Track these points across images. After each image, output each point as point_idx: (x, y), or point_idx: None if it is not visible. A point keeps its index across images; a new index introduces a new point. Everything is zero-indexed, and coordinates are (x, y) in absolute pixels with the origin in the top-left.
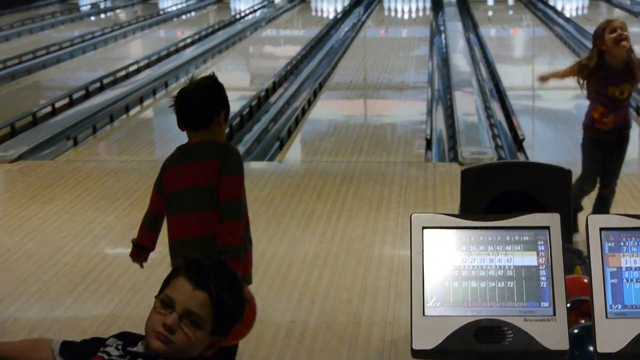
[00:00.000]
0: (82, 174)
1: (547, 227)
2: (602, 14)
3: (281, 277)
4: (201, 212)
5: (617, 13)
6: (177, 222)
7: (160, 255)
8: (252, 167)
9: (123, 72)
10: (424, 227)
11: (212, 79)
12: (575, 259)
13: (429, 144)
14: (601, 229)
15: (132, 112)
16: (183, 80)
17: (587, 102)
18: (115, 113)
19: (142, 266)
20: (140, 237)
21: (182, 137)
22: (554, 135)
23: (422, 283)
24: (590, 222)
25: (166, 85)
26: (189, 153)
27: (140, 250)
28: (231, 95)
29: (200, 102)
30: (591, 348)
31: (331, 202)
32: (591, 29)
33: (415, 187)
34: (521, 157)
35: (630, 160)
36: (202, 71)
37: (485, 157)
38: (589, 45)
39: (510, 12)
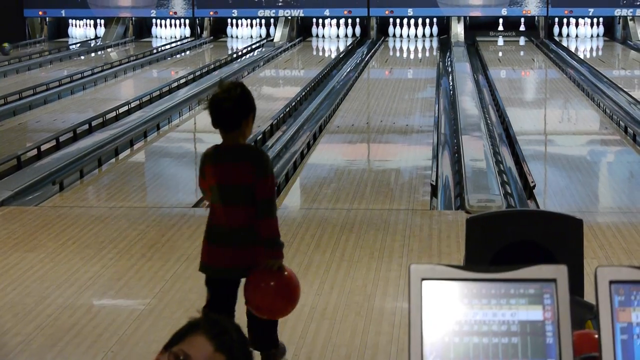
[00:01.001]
0: (67, 220)
1: (554, 280)
2: (617, 55)
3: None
4: (236, 206)
5: (633, 55)
6: (216, 209)
7: (148, 307)
8: None
9: (113, 114)
10: (423, 279)
11: (240, 86)
12: (586, 314)
13: (434, 191)
14: (611, 282)
15: (121, 156)
16: (175, 122)
17: (601, 148)
18: (103, 156)
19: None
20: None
21: (173, 183)
22: (566, 183)
23: (420, 338)
24: (599, 274)
25: (158, 127)
26: (227, 154)
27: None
28: None
29: (231, 108)
30: None
31: (330, 252)
32: (606, 71)
33: (420, 236)
34: (532, 206)
35: None
36: (197, 112)
37: (494, 205)
38: (604, 88)
39: (522, 53)
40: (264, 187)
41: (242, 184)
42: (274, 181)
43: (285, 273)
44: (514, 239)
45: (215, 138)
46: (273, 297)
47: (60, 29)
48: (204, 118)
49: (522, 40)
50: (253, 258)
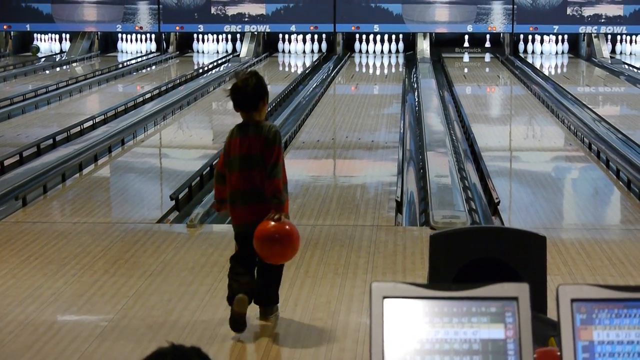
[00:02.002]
0: (30, 236)
1: (516, 298)
2: (582, 72)
3: (239, 348)
4: (252, 171)
5: (598, 72)
6: (235, 178)
7: (111, 324)
8: (213, 229)
9: (77, 129)
10: (384, 297)
11: (255, 75)
12: (549, 331)
13: (399, 207)
14: (572, 300)
15: (85, 171)
16: (140, 137)
17: (566, 164)
18: (67, 171)
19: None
20: (217, 192)
21: (137, 199)
22: (530, 199)
23: (382, 357)
24: (561, 292)
25: (123, 142)
26: (244, 130)
27: (221, 204)
28: (192, 154)
29: (250, 93)
30: None
31: (294, 268)
32: (570, 87)
33: (384, 252)
34: (496, 222)
35: (610, 226)
36: (162, 127)
37: (458, 221)
38: (569, 105)
39: (487, 70)
40: (271, 154)
41: (257, 153)
42: (280, 150)
43: (286, 224)
44: (477, 255)
45: (180, 154)
46: (272, 242)
47: (25, 43)
48: (169, 133)
49: (487, 57)
50: (265, 213)
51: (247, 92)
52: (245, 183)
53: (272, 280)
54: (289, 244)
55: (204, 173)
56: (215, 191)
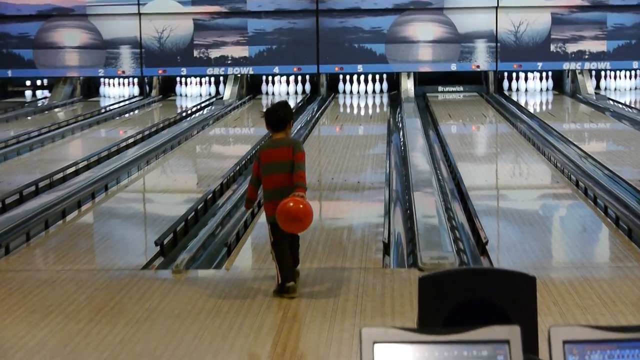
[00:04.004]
0: (13, 284)
1: (507, 341)
2: (567, 109)
3: None
4: (283, 173)
5: (582, 108)
6: (270, 179)
7: None
8: (199, 275)
9: (60, 175)
10: (375, 342)
11: (285, 104)
12: None
13: (386, 249)
14: (564, 342)
15: (69, 218)
16: (124, 182)
17: (553, 202)
18: (51, 219)
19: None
20: (251, 193)
21: (122, 245)
22: (519, 238)
23: None
24: (552, 334)
25: (106, 188)
26: (276, 143)
27: (251, 203)
28: (176, 198)
29: (281, 116)
30: None
31: (282, 313)
32: (556, 124)
33: (372, 295)
34: (485, 262)
35: (600, 264)
36: (146, 172)
37: (447, 262)
38: (554, 142)
39: (472, 108)
40: (298, 157)
41: (287, 160)
42: (303, 154)
43: (303, 200)
44: (467, 297)
45: (164, 199)
46: (288, 214)
47: (6, 89)
48: (153, 178)
49: (472, 95)
50: None
51: (278, 115)
52: (278, 183)
53: (296, 246)
54: (304, 218)
55: (189, 218)
56: (250, 192)
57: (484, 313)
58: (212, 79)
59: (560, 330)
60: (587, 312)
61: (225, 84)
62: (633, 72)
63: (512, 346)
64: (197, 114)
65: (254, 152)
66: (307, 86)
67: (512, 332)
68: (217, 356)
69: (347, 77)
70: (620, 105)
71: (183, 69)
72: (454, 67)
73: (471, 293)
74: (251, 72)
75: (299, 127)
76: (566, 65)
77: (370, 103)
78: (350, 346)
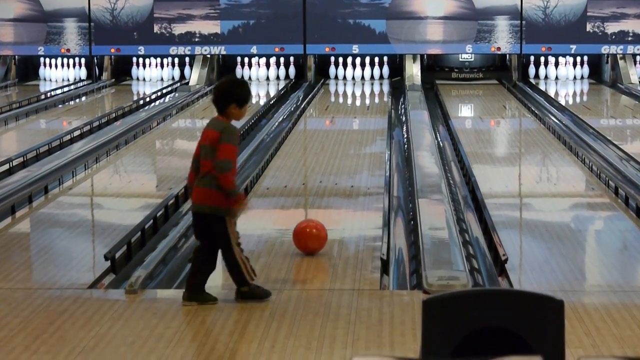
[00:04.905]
0: None
1: None
2: (605, 101)
3: None
4: (207, 160)
5: (624, 101)
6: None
7: None
8: (158, 295)
9: None
10: None
11: (233, 81)
12: None
13: (385, 267)
14: None
15: (0, 225)
16: (68, 184)
17: (587, 213)
18: None
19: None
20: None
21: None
22: (545, 256)
23: None
24: None
25: (46, 190)
26: (209, 124)
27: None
28: (130, 204)
29: (219, 93)
30: None
31: (257, 342)
32: (592, 120)
33: (367, 322)
34: (503, 284)
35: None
36: (95, 171)
37: (458, 283)
38: (590, 141)
39: (491, 99)
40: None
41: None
42: (231, 146)
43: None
44: (480, 325)
45: (117, 204)
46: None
47: None
48: (103, 178)
49: (490, 83)
50: None
51: (214, 94)
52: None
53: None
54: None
55: (146, 227)
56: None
57: (501, 344)
58: (176, 60)
59: None
60: (624, 344)
61: (191, 66)
62: None
63: None
64: (158, 102)
65: None
66: (292, 70)
67: None
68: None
69: (340, 59)
70: None
71: (141, 47)
72: (469, 49)
73: (486, 319)
74: (223, 52)
75: (280, 119)
76: (605, 49)
77: (367, 91)
78: None
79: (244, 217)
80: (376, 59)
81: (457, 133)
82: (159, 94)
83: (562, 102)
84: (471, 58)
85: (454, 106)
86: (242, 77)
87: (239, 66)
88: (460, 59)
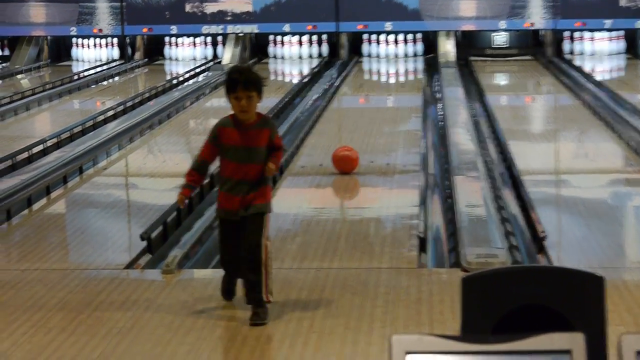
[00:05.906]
0: None
1: (569, 351)
2: None
3: None
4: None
5: None
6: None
7: None
8: (195, 275)
9: (25, 154)
10: (407, 352)
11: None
12: None
13: (422, 245)
14: (638, 352)
15: (36, 206)
16: (102, 164)
17: (626, 189)
18: (14, 207)
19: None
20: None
21: (100, 240)
22: (584, 233)
23: None
24: (624, 342)
25: (81, 170)
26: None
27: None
28: (165, 183)
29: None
30: None
31: (295, 322)
32: (630, 95)
33: (406, 300)
34: (542, 261)
35: None
36: (129, 151)
37: (496, 260)
38: (628, 117)
39: (526, 75)
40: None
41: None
42: (205, 144)
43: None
44: (520, 302)
45: (151, 184)
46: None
47: None
48: (137, 158)
49: (525, 59)
50: None
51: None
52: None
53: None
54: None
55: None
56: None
57: (541, 321)
58: (209, 39)
59: (633, 339)
60: None
61: (224, 45)
62: None
63: (575, 358)
64: (191, 82)
65: None
66: (325, 48)
67: (575, 341)
68: None
69: (373, 37)
70: None
71: (173, 26)
72: (502, 24)
73: (526, 297)
74: (256, 30)
75: (314, 97)
76: (639, 24)
77: (401, 69)
78: None
79: (279, 195)
80: (409, 36)
81: (492, 110)
82: (192, 73)
83: (598, 78)
84: (505, 44)
85: (489, 83)
86: (275, 55)
87: (271, 44)
88: (493, 45)
